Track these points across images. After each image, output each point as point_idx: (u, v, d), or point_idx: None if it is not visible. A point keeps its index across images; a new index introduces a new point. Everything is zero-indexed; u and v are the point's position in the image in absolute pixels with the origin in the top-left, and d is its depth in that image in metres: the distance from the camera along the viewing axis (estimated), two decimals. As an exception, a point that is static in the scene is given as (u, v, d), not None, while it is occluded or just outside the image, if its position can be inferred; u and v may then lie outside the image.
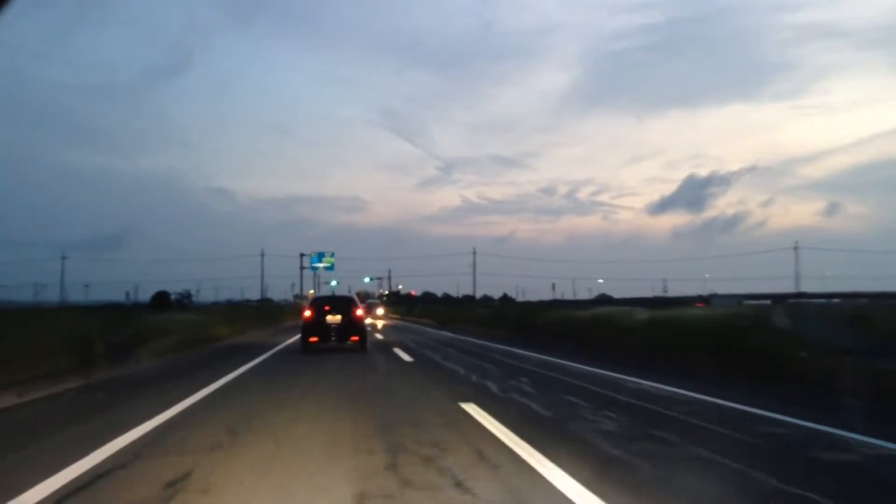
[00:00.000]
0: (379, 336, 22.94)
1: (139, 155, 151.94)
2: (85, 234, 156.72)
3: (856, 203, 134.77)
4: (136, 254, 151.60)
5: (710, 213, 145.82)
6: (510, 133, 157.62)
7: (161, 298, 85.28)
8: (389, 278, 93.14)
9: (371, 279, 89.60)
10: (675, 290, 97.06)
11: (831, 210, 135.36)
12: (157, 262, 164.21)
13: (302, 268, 69.33)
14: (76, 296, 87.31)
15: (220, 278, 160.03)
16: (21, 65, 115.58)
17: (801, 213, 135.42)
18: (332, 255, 67.07)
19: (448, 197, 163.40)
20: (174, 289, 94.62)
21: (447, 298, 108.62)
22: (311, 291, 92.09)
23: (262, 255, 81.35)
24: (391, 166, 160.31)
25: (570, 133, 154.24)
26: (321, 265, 66.77)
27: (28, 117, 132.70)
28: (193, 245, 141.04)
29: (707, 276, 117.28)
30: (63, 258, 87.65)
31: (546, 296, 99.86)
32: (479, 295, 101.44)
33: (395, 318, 54.83)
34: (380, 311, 52.66)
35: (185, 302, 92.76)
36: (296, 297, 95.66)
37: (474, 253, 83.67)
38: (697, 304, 45.95)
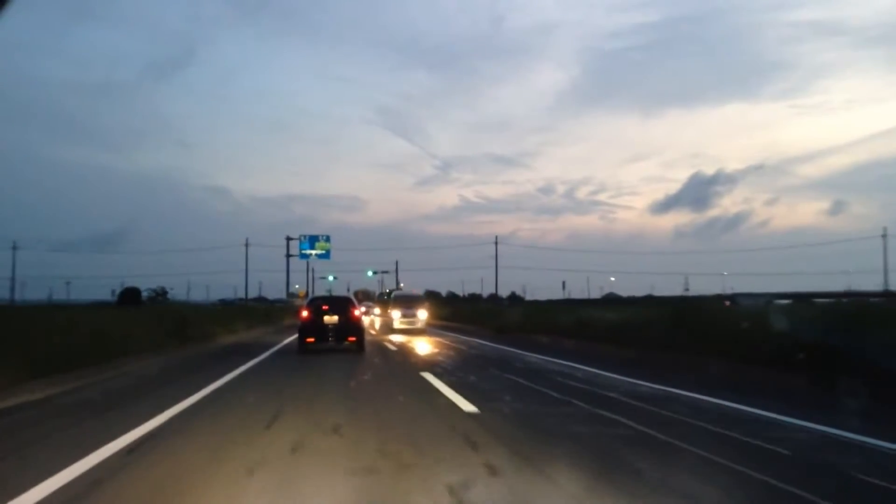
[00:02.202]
0: (469, 406, 7.54)
1: (134, 152, 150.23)
2: (79, 231, 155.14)
3: (858, 201, 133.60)
4: (130, 252, 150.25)
5: (712, 212, 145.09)
6: (508, 132, 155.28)
7: (129, 296, 71.86)
8: (397, 272, 78.52)
9: (375, 272, 76.49)
10: (677, 289, 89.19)
11: (833, 209, 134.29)
12: (152, 260, 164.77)
13: (288, 255, 55.72)
14: (59, 294, 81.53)
15: (214, 273, 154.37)
16: (17, 60, 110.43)
17: (802, 212, 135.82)
18: (328, 239, 53.95)
19: (446, 196, 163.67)
20: (182, 290, 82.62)
21: (453, 297, 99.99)
22: (304, 291, 79.09)
23: (247, 245, 67.40)
24: (389, 165, 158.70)
25: (568, 132, 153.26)
26: (313, 252, 53.76)
27: (23, 113, 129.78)
28: (190, 244, 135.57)
29: (725, 272, 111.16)
30: (14, 248, 74.45)
31: (552, 295, 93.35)
32: (485, 293, 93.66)
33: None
34: (421, 314, 28.92)
35: (159, 299, 79.44)
36: (290, 295, 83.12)
37: (496, 243, 70.13)
38: (727, 303, 38.40)
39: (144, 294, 77.05)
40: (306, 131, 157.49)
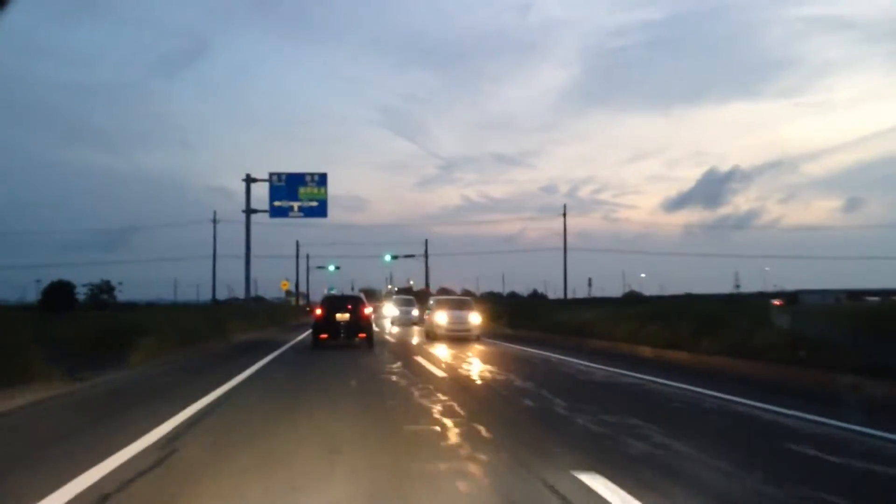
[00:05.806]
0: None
1: (137, 153, 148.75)
2: (80, 232, 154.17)
3: (867, 199, 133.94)
4: (129, 253, 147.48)
5: (723, 210, 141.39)
6: (510, 131, 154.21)
7: (57, 294, 56.64)
8: (426, 256, 62.55)
9: (394, 257, 62.08)
10: (706, 287, 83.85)
11: (842, 207, 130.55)
12: (152, 261, 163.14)
13: (249, 211, 31.52)
14: (32, 295, 70.20)
15: (208, 268, 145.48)
16: (17, 60, 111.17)
17: (814, 209, 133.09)
18: (323, 181, 30.71)
19: (449, 196, 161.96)
20: (168, 290, 71.55)
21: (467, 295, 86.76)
22: (287, 281, 65.43)
23: (215, 220, 52.24)
24: (391, 165, 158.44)
25: (571, 131, 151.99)
26: (295, 205, 30.68)
27: (23, 113, 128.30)
28: (190, 245, 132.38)
29: (767, 268, 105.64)
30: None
31: (575, 293, 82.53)
32: (485, 291, 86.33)
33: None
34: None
35: (102, 298, 64.10)
36: (288, 293, 69.54)
37: (564, 218, 52.43)
38: (776, 303, 35.67)
39: (82, 292, 61.65)
40: (308, 131, 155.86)
